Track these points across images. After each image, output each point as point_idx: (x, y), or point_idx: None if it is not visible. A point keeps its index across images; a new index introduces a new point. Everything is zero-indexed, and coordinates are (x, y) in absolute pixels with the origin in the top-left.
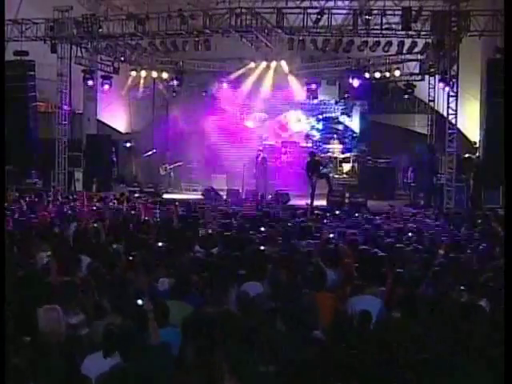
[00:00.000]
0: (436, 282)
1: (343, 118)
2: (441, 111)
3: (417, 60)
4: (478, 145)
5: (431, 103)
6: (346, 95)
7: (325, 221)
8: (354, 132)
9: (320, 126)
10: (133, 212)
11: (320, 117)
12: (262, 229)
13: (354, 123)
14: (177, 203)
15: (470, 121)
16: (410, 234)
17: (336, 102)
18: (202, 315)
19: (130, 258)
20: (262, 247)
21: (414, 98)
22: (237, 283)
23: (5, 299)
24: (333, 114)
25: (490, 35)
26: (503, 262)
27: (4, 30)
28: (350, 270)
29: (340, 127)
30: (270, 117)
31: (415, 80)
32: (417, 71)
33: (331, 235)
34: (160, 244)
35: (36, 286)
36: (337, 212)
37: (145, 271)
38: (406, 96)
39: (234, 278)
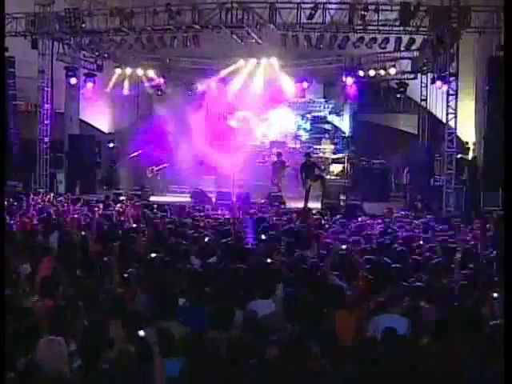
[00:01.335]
0: (464, 298)
1: (332, 118)
2: (432, 110)
3: (409, 58)
4: (469, 145)
5: (423, 102)
6: (336, 94)
7: (326, 226)
8: (344, 132)
9: (308, 125)
10: (122, 218)
11: (308, 116)
12: (263, 236)
13: (345, 123)
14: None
15: (462, 120)
16: (420, 242)
17: (326, 101)
18: (207, 342)
19: (125, 275)
20: (269, 260)
21: (406, 98)
22: (243, 300)
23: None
24: (321, 113)
25: (491, 32)
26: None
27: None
28: (366, 283)
29: (329, 127)
30: (258, 116)
31: (408, 78)
32: (408, 70)
33: (344, 246)
34: (153, 255)
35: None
36: (338, 216)
37: (142, 289)
38: (399, 95)
39: (239, 294)
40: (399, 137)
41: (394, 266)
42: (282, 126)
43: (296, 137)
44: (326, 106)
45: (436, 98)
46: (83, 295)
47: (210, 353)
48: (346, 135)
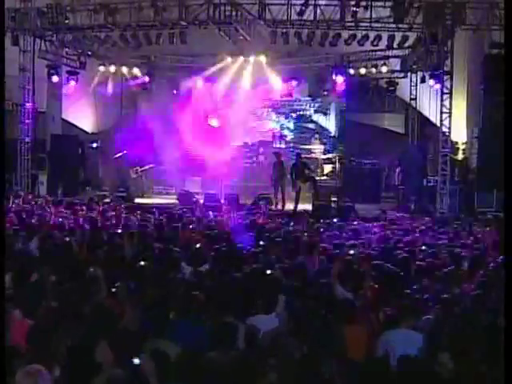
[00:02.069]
0: (479, 308)
1: (318, 117)
2: (421, 110)
3: (399, 56)
4: (459, 145)
5: (412, 102)
6: (323, 92)
7: (321, 230)
8: (331, 132)
9: (292, 124)
10: (108, 223)
11: (293, 115)
12: (262, 242)
13: (331, 122)
14: None
15: (452, 120)
16: (423, 247)
17: (312, 100)
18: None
19: (113, 289)
20: (268, 268)
21: (392, 97)
22: (243, 316)
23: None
24: (307, 112)
25: (486, 29)
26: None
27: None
28: (373, 293)
29: (314, 126)
30: (245, 115)
31: (398, 77)
32: (397, 68)
33: (350, 252)
34: (142, 263)
35: None
36: (335, 220)
37: (131, 304)
38: (388, 94)
39: (237, 308)
40: (388, 136)
41: (400, 273)
42: (268, 125)
43: (281, 136)
44: (312, 104)
45: (428, 97)
46: (67, 311)
47: (211, 376)
48: (333, 135)
